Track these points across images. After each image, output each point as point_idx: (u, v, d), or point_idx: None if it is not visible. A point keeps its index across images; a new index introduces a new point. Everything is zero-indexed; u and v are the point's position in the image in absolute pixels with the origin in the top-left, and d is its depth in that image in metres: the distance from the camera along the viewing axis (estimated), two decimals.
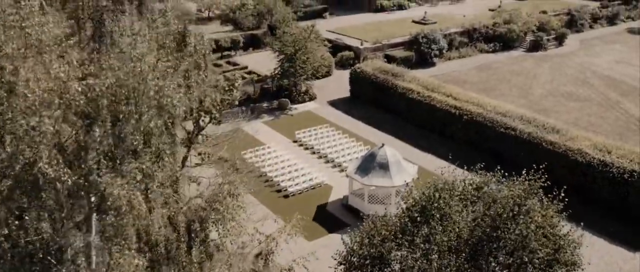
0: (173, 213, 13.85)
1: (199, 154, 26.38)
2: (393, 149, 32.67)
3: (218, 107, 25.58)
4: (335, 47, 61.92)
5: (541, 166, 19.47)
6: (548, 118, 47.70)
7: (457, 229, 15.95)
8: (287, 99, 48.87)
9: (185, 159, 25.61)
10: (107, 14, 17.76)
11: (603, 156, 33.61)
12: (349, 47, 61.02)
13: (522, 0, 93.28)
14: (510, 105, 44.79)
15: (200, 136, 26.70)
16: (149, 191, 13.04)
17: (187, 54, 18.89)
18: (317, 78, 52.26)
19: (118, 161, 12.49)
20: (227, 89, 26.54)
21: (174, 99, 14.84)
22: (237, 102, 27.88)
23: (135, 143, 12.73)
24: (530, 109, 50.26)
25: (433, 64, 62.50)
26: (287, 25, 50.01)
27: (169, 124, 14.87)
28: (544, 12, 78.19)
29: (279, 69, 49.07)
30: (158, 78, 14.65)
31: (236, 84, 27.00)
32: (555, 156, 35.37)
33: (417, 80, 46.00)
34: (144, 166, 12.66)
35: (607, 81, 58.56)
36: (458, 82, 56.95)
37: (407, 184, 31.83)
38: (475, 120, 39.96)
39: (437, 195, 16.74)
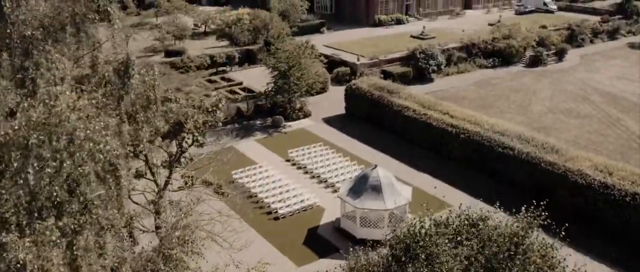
0: (116, 265, 12.48)
1: (183, 177, 25.28)
2: (386, 171, 31.57)
3: (200, 130, 24.50)
4: (332, 63, 61.04)
5: (541, 203, 18.11)
6: (548, 136, 46.79)
7: (445, 270, 14.69)
8: (280, 117, 47.87)
9: (167, 183, 24.56)
10: (34, 44, 15.95)
11: (604, 178, 32.47)
12: (345, 63, 60.14)
13: (521, 14, 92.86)
14: (508, 123, 43.70)
15: (182, 159, 25.62)
16: (74, 249, 11.56)
17: (128, 88, 17.00)
18: (312, 94, 51.26)
19: (29, 217, 10.94)
20: (210, 110, 25.48)
21: (99, 143, 13.15)
22: (220, 124, 26.78)
23: (55, 194, 11.34)
24: (529, 126, 49.27)
25: (431, 80, 61.56)
26: (281, 41, 49.06)
27: (106, 169, 13.28)
28: (544, 27, 77.42)
29: (273, 85, 48.12)
30: (80, 118, 13.12)
31: (220, 105, 25.91)
32: (554, 176, 34.27)
33: (413, 98, 45.01)
34: (61, 223, 11.13)
35: (607, 98, 57.52)
36: (456, 99, 56.01)
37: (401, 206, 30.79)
38: (472, 139, 38.88)
39: (423, 232, 15.54)
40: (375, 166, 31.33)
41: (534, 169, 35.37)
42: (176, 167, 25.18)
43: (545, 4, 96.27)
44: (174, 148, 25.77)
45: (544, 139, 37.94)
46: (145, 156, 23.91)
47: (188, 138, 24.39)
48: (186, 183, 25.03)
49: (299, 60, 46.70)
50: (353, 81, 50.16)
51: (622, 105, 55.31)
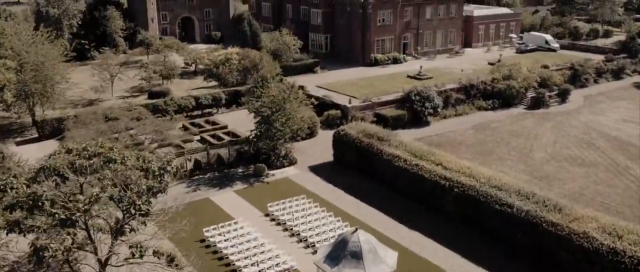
0: None
1: (131, 247, 22.10)
2: (367, 235, 28.19)
3: (144, 199, 21.36)
4: (322, 105, 58.21)
5: None
6: (550, 186, 43.63)
7: None
8: (263, 165, 44.73)
9: (108, 258, 21.35)
10: None
11: (613, 242, 29.01)
12: (336, 106, 57.25)
13: (523, 53, 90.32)
14: (507, 175, 40.48)
15: (133, 223, 22.38)
16: None
17: None
18: (298, 140, 48.07)
19: None
20: (157, 173, 22.39)
21: None
22: (166, 193, 23.54)
23: None
24: (530, 175, 46.06)
25: (427, 123, 58.55)
26: (266, 85, 46.27)
27: None
28: (546, 66, 74.68)
29: (256, 131, 45.14)
30: None
31: (168, 168, 22.82)
32: (557, 239, 30.84)
33: (404, 146, 41.84)
34: None
35: (614, 143, 54.24)
36: (453, 145, 52.89)
37: None
38: (467, 194, 35.56)
39: None
40: (356, 229, 27.98)
41: (534, 229, 31.96)
42: (120, 238, 21.95)
43: (547, 42, 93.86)
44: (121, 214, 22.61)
45: (546, 195, 34.50)
46: (85, 224, 20.76)
47: (131, 208, 21.21)
48: (134, 255, 21.76)
49: (282, 104, 43.75)
50: (341, 127, 47.12)
51: (629, 151, 51.99)
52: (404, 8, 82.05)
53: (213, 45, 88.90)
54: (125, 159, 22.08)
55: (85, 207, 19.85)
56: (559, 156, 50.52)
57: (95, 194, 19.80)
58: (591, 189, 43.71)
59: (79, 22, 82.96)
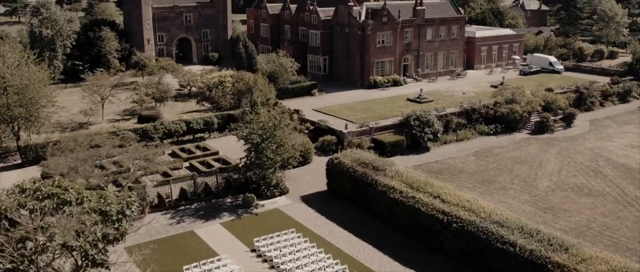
0: None
1: None
2: None
3: (100, 248, 19.16)
4: (317, 130, 56.09)
5: None
6: (556, 218, 41.28)
7: None
8: (252, 195, 42.48)
9: None
10: None
11: None
12: (332, 131, 55.06)
13: (526, 75, 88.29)
14: (511, 206, 38.09)
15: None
16: None
17: None
18: (289, 168, 45.56)
19: None
20: (115, 217, 20.19)
21: None
22: (124, 240, 21.28)
23: None
24: (535, 206, 43.68)
25: (427, 149, 56.31)
26: (257, 110, 44.17)
27: None
28: (550, 89, 72.49)
29: (245, 159, 42.97)
30: None
31: (128, 212, 20.63)
32: None
33: (400, 176, 39.55)
34: None
35: (622, 170, 51.83)
36: (453, 172, 50.59)
37: None
38: (467, 230, 33.19)
39: None
40: None
41: (539, 270, 29.50)
42: None
43: (551, 64, 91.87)
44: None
45: (551, 232, 32.07)
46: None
47: (84, 258, 18.96)
48: None
49: (273, 132, 41.62)
50: (336, 155, 44.90)
51: (638, 180, 49.53)
52: (404, 29, 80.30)
53: (208, 67, 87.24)
54: (84, 199, 19.94)
55: (32, 257, 17.73)
56: (564, 185, 48.12)
57: (41, 243, 17.69)
58: (599, 222, 41.25)
59: (73, 43, 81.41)
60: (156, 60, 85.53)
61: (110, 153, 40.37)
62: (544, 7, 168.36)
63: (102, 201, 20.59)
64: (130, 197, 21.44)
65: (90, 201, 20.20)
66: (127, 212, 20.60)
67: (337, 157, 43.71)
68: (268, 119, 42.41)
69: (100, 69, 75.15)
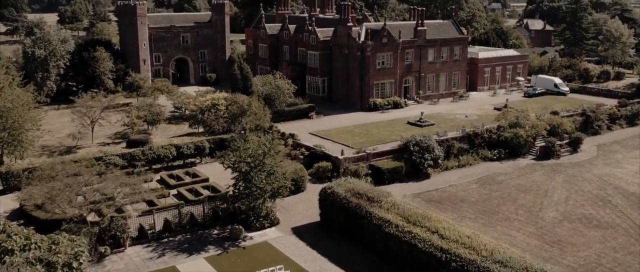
0: None
1: None
2: None
3: None
4: (313, 156, 53.79)
5: None
6: (563, 253, 38.69)
7: None
8: (240, 227, 40.10)
9: None
10: None
11: None
12: (327, 157, 52.73)
13: (531, 97, 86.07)
14: (513, 247, 35.56)
15: None
16: None
17: None
18: (277, 197, 42.80)
19: None
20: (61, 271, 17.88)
21: None
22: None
23: None
24: (540, 239, 41.12)
25: (427, 176, 53.88)
26: (245, 137, 41.97)
27: None
28: (555, 112, 70.13)
29: (234, 189, 40.65)
30: None
31: (75, 264, 18.28)
32: None
33: (396, 208, 37.14)
34: None
35: (632, 200, 49.19)
36: (454, 201, 48.10)
37: None
38: (467, 270, 30.66)
39: None
40: None
41: None
42: None
43: (556, 85, 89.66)
44: None
45: (559, 270, 29.54)
46: None
47: None
48: None
49: (262, 160, 39.36)
50: (329, 184, 42.50)
51: None
52: (405, 50, 78.36)
53: (205, 88, 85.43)
54: (32, 247, 17.71)
55: None
56: (572, 216, 45.52)
57: None
58: (610, 258, 38.59)
59: (67, 63, 79.78)
60: (152, 81, 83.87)
61: (89, 182, 38.06)
62: (548, 27, 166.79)
63: (54, 247, 18.36)
64: (80, 246, 19.13)
65: (39, 248, 17.98)
66: (74, 264, 18.33)
67: (331, 187, 41.33)
68: (257, 146, 40.18)
69: (95, 90, 73.41)
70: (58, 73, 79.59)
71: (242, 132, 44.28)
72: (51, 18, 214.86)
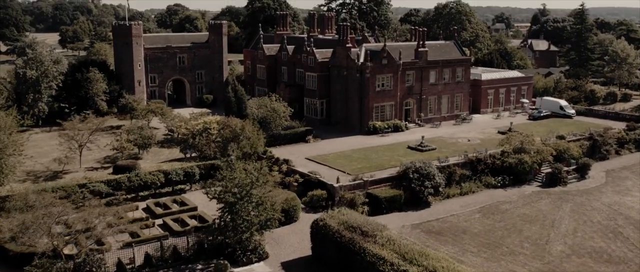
0: None
1: None
2: None
3: None
4: (307, 183, 51.28)
5: None
6: None
7: None
8: (225, 262, 37.51)
9: None
10: None
11: None
12: (322, 185, 50.18)
13: (536, 119, 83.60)
14: None
15: None
16: None
17: None
18: (266, 229, 40.18)
19: None
20: None
21: None
22: None
23: None
24: None
25: (427, 204, 51.29)
26: (231, 165, 39.57)
27: None
28: (562, 137, 67.59)
29: (219, 221, 38.17)
30: None
31: None
32: None
33: (392, 244, 34.53)
34: None
35: None
36: (456, 233, 45.43)
37: None
38: None
39: None
40: None
41: None
42: None
43: (562, 108, 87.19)
44: None
45: None
46: None
47: None
48: None
49: (249, 190, 36.92)
50: (321, 216, 39.91)
51: None
52: (405, 72, 76.16)
53: (201, 110, 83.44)
54: None
55: None
56: (581, 250, 42.75)
57: None
58: None
59: (60, 84, 77.86)
60: (148, 102, 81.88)
61: (64, 213, 35.67)
62: (553, 48, 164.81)
63: None
64: None
65: None
66: None
67: (323, 219, 38.75)
68: (245, 175, 37.75)
69: (88, 112, 71.35)
70: (50, 94, 77.66)
71: (229, 159, 41.86)
72: (53, 38, 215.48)
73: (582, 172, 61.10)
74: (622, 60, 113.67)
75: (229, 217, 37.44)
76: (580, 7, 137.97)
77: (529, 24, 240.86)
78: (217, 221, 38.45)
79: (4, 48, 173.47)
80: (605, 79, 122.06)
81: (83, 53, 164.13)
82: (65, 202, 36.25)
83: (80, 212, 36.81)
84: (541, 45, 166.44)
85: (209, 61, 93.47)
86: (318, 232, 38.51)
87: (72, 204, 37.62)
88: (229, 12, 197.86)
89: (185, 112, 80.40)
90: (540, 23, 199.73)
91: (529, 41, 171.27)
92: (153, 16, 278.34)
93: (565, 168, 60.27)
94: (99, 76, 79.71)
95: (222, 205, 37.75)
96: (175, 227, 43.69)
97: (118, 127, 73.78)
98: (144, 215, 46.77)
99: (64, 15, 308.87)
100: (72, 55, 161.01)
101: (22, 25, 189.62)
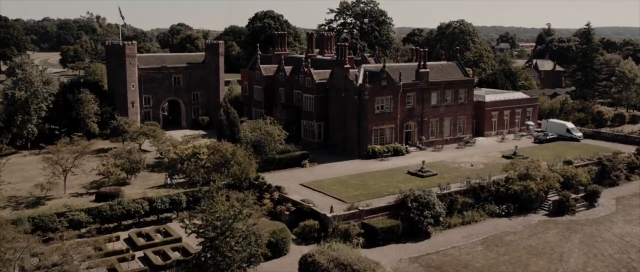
0: None
1: None
2: None
3: None
4: (299, 212, 48.40)
5: None
6: None
7: None
8: None
9: None
10: None
11: None
12: (315, 214, 47.28)
13: (542, 143, 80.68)
14: None
15: None
16: None
17: None
18: (250, 266, 37.25)
19: None
20: None
21: None
22: None
23: None
24: None
25: (427, 235, 48.30)
26: (211, 196, 36.81)
27: None
28: (569, 162, 64.56)
29: (200, 257, 35.33)
30: None
31: None
32: None
33: None
34: None
35: None
36: (457, 268, 42.39)
37: None
38: None
39: None
40: None
41: None
42: None
43: (568, 130, 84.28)
44: None
45: None
46: None
47: None
48: None
49: (230, 224, 34.13)
50: (310, 251, 37.08)
51: None
52: (405, 94, 73.56)
53: (197, 132, 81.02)
54: None
55: None
56: None
57: None
58: None
59: (50, 106, 75.63)
60: (141, 124, 79.56)
61: (31, 247, 32.97)
62: (558, 68, 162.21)
63: None
64: None
65: None
66: None
67: (312, 255, 35.90)
68: (227, 207, 34.99)
69: (78, 134, 68.90)
70: (40, 116, 75.37)
71: (210, 188, 39.16)
72: (56, 57, 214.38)
73: (591, 199, 58.06)
74: (629, 81, 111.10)
75: (209, 253, 34.59)
76: (587, 27, 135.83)
77: (534, 44, 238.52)
78: (197, 255, 35.60)
79: (4, 67, 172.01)
80: (612, 100, 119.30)
81: (83, 73, 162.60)
82: (30, 237, 33.49)
83: (53, 244, 34.08)
84: (546, 65, 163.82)
85: (205, 82, 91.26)
86: (306, 269, 35.61)
87: (42, 236, 34.88)
88: (231, 32, 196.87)
89: (180, 134, 78.12)
90: (546, 43, 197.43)
91: (534, 61, 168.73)
92: (156, 36, 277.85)
93: (573, 195, 57.27)
94: (90, 97, 77.56)
95: (201, 240, 34.93)
96: (157, 260, 40.91)
97: (108, 150, 71.34)
98: (124, 246, 44.00)
99: (69, 34, 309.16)
100: (73, 75, 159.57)
101: (23, 45, 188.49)
